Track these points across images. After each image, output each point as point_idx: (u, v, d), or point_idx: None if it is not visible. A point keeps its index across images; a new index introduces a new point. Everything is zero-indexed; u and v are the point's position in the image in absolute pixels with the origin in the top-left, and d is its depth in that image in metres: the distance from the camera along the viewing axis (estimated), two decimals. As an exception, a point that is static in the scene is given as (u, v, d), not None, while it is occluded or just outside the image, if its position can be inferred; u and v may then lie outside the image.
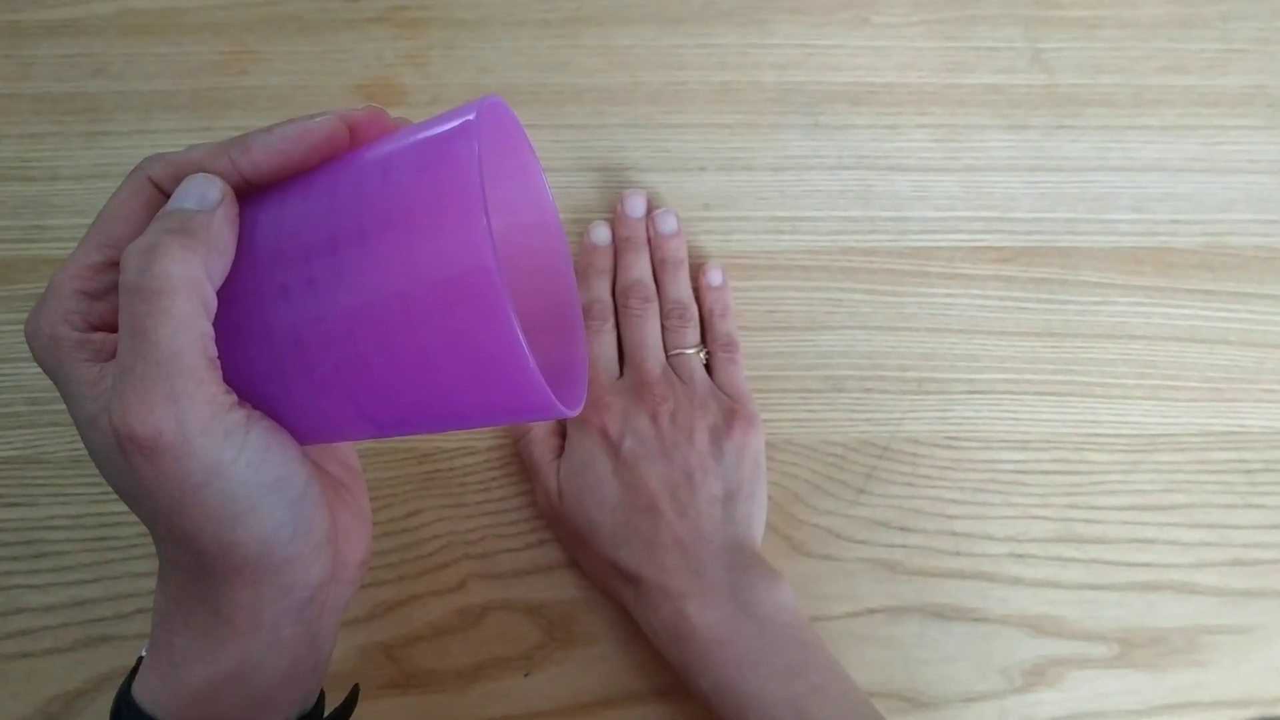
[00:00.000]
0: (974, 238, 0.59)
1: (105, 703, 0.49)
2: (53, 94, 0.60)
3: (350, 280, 0.30)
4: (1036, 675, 0.51)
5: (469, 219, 0.28)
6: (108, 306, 0.32)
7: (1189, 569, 0.53)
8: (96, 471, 0.51)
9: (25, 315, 0.54)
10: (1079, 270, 0.58)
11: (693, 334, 0.54)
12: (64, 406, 0.52)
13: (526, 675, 0.50)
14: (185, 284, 0.28)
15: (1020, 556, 0.53)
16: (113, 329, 0.31)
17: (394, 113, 0.59)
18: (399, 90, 0.61)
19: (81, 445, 0.51)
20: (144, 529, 0.50)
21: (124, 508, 0.51)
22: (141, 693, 0.33)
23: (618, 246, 0.56)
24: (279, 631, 0.33)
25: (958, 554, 0.53)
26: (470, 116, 0.30)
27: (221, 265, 0.30)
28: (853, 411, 0.55)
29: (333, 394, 0.31)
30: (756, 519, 0.50)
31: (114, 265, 0.31)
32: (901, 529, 0.53)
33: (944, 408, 0.55)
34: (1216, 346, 0.57)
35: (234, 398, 0.30)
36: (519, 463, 0.53)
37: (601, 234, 0.56)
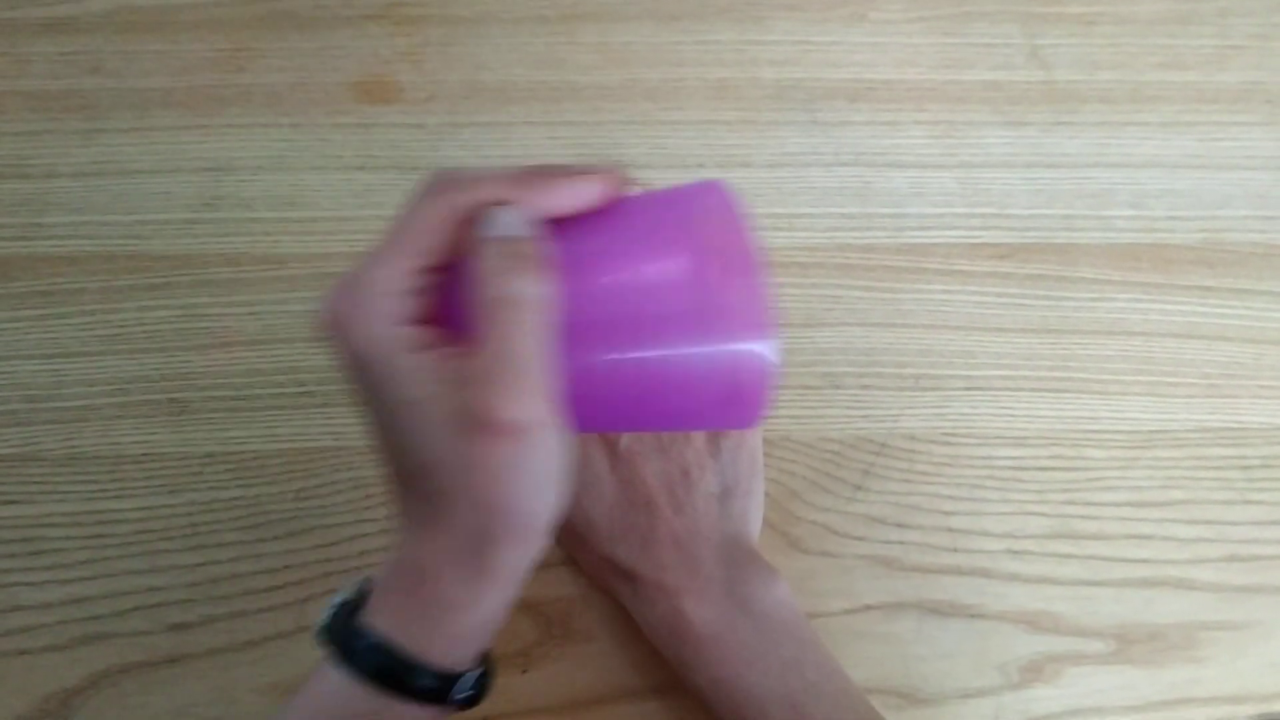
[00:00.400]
0: (971, 234, 0.59)
1: (102, 701, 0.49)
2: (49, 91, 0.60)
3: (646, 351, 0.38)
4: (1034, 671, 0.51)
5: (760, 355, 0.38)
6: (420, 305, 0.36)
7: (1186, 565, 0.53)
8: (93, 469, 0.52)
9: (22, 313, 0.54)
10: (1076, 267, 0.58)
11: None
12: (62, 404, 0.52)
13: (524, 672, 0.50)
14: (538, 301, 0.35)
15: (1017, 553, 0.53)
16: (422, 323, 0.36)
17: (390, 110, 0.59)
18: (395, 87, 0.61)
19: (77, 441, 0.52)
20: (141, 527, 0.51)
21: (121, 505, 0.51)
22: (392, 633, 0.36)
23: None
24: (518, 585, 0.38)
25: (955, 550, 0.53)
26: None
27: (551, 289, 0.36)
28: (850, 408, 0.55)
29: (598, 417, 0.40)
30: (754, 516, 0.50)
31: (425, 270, 0.36)
32: (898, 525, 0.53)
33: (941, 404, 0.55)
34: (1214, 343, 0.57)
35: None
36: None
37: None
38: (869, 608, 0.52)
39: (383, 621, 0.37)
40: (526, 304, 0.34)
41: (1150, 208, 0.60)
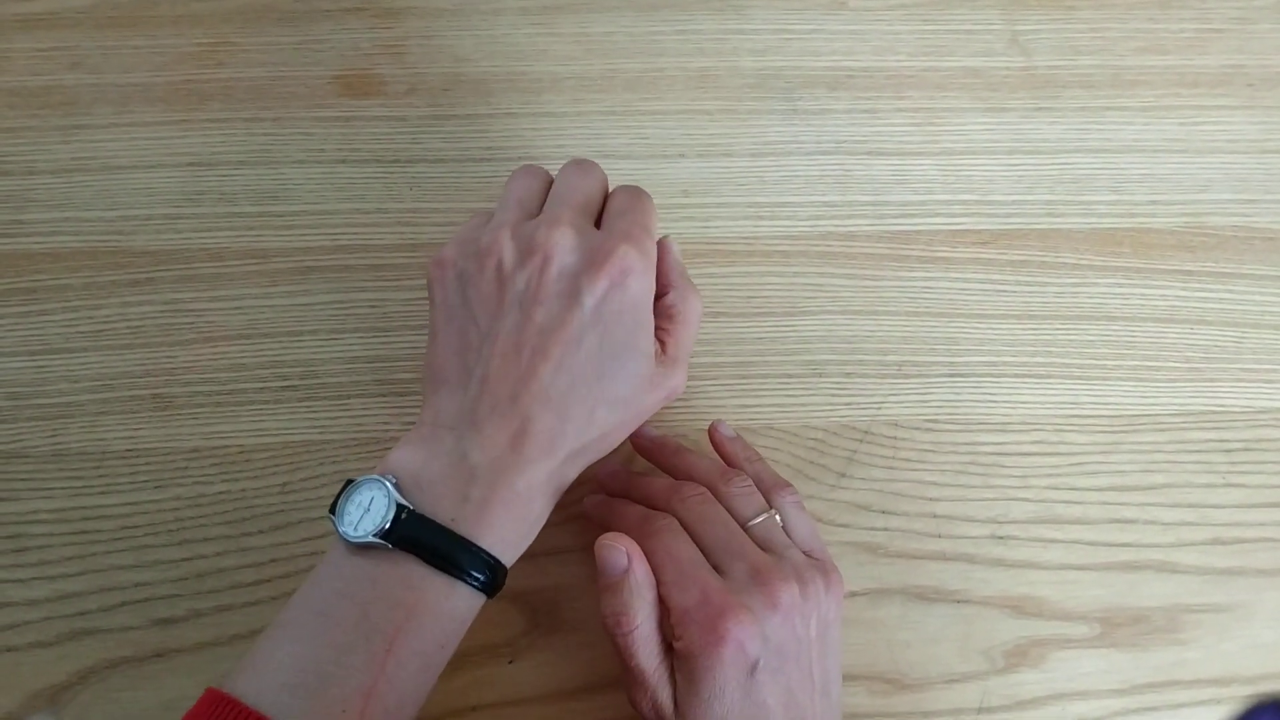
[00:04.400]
0: (953, 221, 0.59)
1: (90, 696, 0.49)
2: (28, 88, 0.60)
3: None
4: (1018, 656, 0.51)
5: None
6: None
7: (1169, 548, 0.53)
8: (78, 465, 0.52)
9: (4, 310, 0.54)
10: (1058, 252, 0.58)
11: (758, 495, 0.49)
12: (46, 401, 0.52)
13: (511, 662, 0.50)
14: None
15: (1001, 538, 0.53)
16: None
17: (372, 103, 0.59)
18: (377, 80, 0.61)
19: (62, 438, 0.52)
20: (127, 522, 0.51)
21: (107, 501, 0.51)
22: (496, 546, 0.42)
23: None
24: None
25: (939, 536, 0.53)
26: None
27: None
28: (833, 396, 0.55)
29: None
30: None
31: None
32: (883, 512, 0.53)
33: (924, 391, 0.56)
34: (1195, 326, 0.57)
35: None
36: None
37: None
38: (854, 594, 0.52)
39: (471, 528, 0.41)
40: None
41: (1131, 192, 0.60)
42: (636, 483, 0.50)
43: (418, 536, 0.40)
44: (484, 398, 0.42)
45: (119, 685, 0.49)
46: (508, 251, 0.44)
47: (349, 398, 0.54)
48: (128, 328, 0.55)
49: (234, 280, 0.56)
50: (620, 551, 0.43)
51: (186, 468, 0.53)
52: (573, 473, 0.45)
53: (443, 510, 0.41)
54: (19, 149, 0.58)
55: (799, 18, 0.63)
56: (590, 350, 0.43)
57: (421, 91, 0.60)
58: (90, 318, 0.55)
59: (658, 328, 0.47)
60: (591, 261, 0.43)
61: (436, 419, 0.43)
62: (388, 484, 0.41)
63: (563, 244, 0.44)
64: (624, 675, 0.44)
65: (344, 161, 0.59)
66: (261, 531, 0.52)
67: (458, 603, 0.41)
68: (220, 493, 0.52)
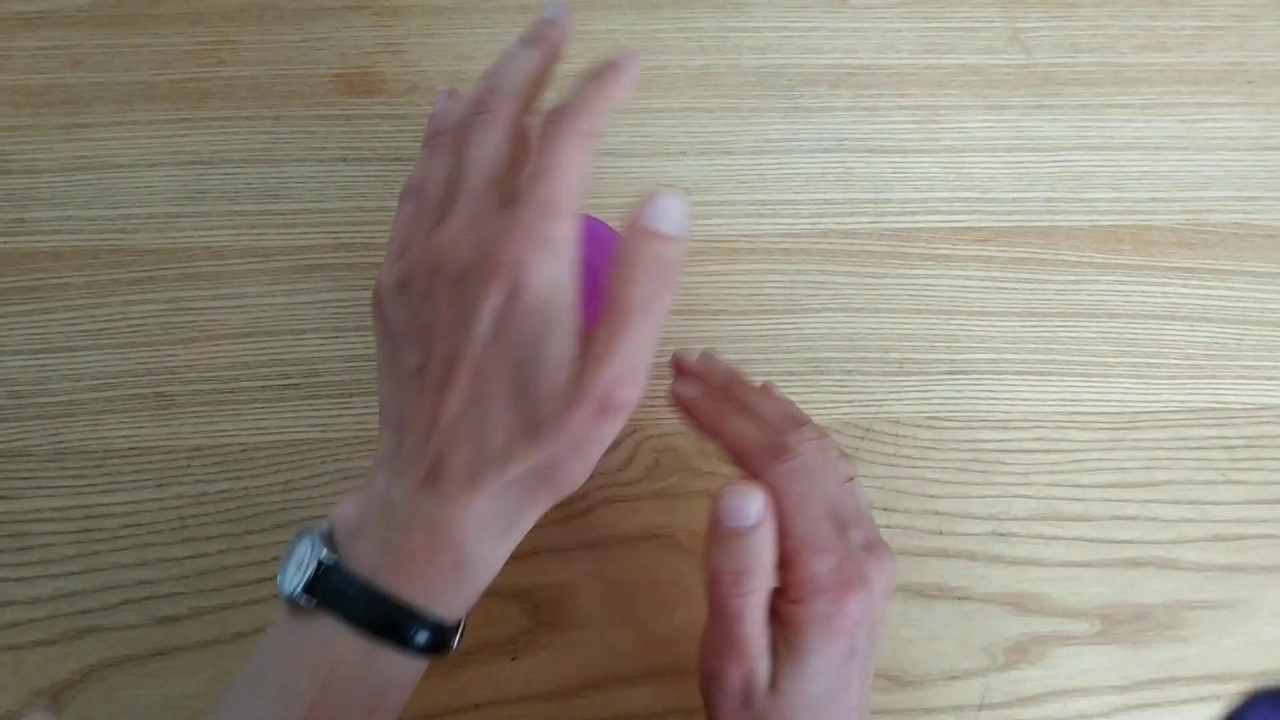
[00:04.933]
0: (954, 218, 0.59)
1: (92, 694, 0.49)
2: (30, 86, 0.60)
3: None
4: (1020, 653, 0.52)
5: None
6: None
7: (1170, 545, 0.54)
8: (80, 464, 0.52)
9: (6, 309, 0.55)
10: (1058, 249, 0.58)
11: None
12: (49, 400, 0.53)
13: (513, 660, 0.50)
14: (667, 310, 0.37)
15: (1003, 535, 0.53)
16: None
17: (373, 101, 0.59)
18: (378, 78, 0.61)
19: (65, 436, 0.52)
20: (129, 520, 0.51)
21: (109, 500, 0.51)
22: (406, 592, 0.37)
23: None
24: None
25: (940, 533, 0.53)
26: None
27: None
28: (835, 393, 0.55)
29: None
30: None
31: None
32: (884, 509, 0.53)
33: (925, 388, 0.56)
34: (1196, 324, 0.57)
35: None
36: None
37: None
38: (855, 591, 0.52)
39: (393, 581, 0.37)
40: (662, 311, 0.37)
41: (1132, 190, 0.60)
42: (741, 389, 0.46)
43: (337, 590, 0.37)
44: (405, 435, 0.38)
45: (122, 683, 0.50)
46: (414, 276, 0.39)
47: (351, 396, 0.54)
48: (129, 326, 0.55)
49: (236, 279, 0.56)
50: (757, 500, 0.39)
51: (189, 466, 0.53)
52: (520, 511, 0.39)
53: (366, 560, 0.37)
54: (21, 147, 0.58)
55: (800, 15, 0.63)
56: (496, 373, 0.37)
57: (423, 89, 0.60)
58: (92, 316, 0.55)
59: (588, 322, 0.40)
60: (483, 271, 0.37)
61: (376, 461, 0.40)
62: (317, 536, 0.38)
63: (454, 258, 0.38)
64: (712, 642, 0.40)
65: (345, 160, 0.59)
66: (264, 529, 0.52)
67: (383, 665, 0.37)
68: (222, 491, 0.52)
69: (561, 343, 0.37)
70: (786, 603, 0.39)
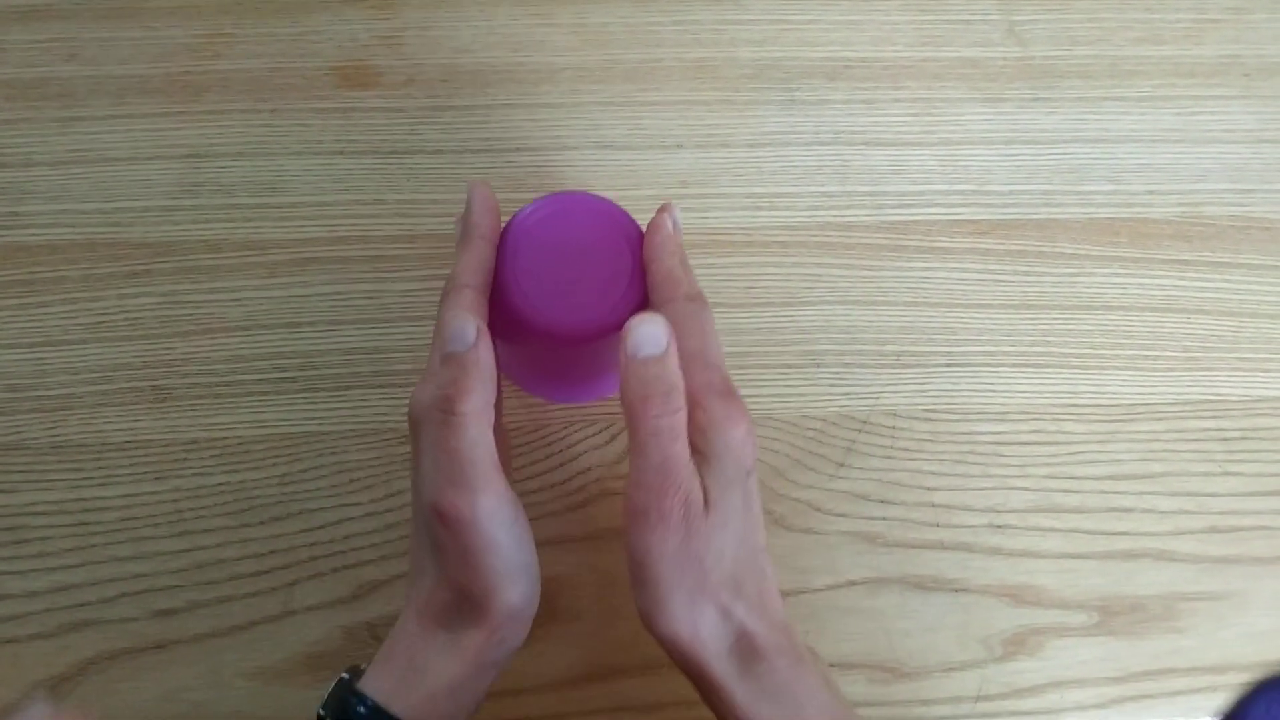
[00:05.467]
0: (951, 211, 0.59)
1: (90, 687, 0.49)
2: (25, 79, 0.60)
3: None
4: (1016, 644, 0.52)
5: None
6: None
7: (1167, 537, 0.54)
8: (77, 457, 0.52)
9: (2, 303, 0.55)
10: (1055, 242, 0.59)
11: None
12: (45, 393, 0.52)
13: (510, 653, 0.50)
14: (474, 416, 0.39)
15: (999, 527, 0.53)
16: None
17: (369, 94, 0.59)
18: (374, 72, 0.61)
19: (62, 430, 0.52)
20: (127, 514, 0.51)
21: (106, 493, 0.52)
22: (374, 691, 0.40)
23: None
24: (486, 669, 0.41)
25: (937, 525, 0.53)
26: None
27: (492, 386, 0.41)
28: (832, 386, 0.55)
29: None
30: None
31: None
32: (881, 501, 0.53)
33: (922, 381, 0.56)
34: (1192, 316, 0.58)
35: (511, 494, 0.41)
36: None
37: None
38: (853, 583, 0.52)
39: (373, 686, 0.40)
40: (462, 423, 0.40)
41: (1128, 182, 0.60)
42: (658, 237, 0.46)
43: (330, 697, 0.40)
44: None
45: (119, 676, 0.49)
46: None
47: (347, 389, 0.54)
48: (126, 320, 0.55)
49: (232, 272, 0.56)
50: (665, 325, 0.40)
51: (186, 459, 0.53)
52: (470, 643, 0.40)
53: (367, 677, 0.40)
54: (16, 141, 0.58)
55: (796, 8, 0.63)
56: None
57: (419, 83, 0.60)
58: (88, 310, 0.55)
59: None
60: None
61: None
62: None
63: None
64: (645, 479, 0.39)
65: (341, 153, 0.59)
66: (261, 523, 0.52)
67: None
68: (219, 484, 0.52)
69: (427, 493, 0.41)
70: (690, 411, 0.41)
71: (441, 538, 0.40)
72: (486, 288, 0.44)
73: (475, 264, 0.44)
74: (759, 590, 0.41)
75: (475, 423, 0.40)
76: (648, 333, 0.40)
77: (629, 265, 0.46)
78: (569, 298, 0.46)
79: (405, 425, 0.53)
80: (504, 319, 0.47)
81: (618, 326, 0.45)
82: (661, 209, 0.46)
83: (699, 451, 0.40)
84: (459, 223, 0.46)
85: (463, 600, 0.41)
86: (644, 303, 0.48)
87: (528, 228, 0.46)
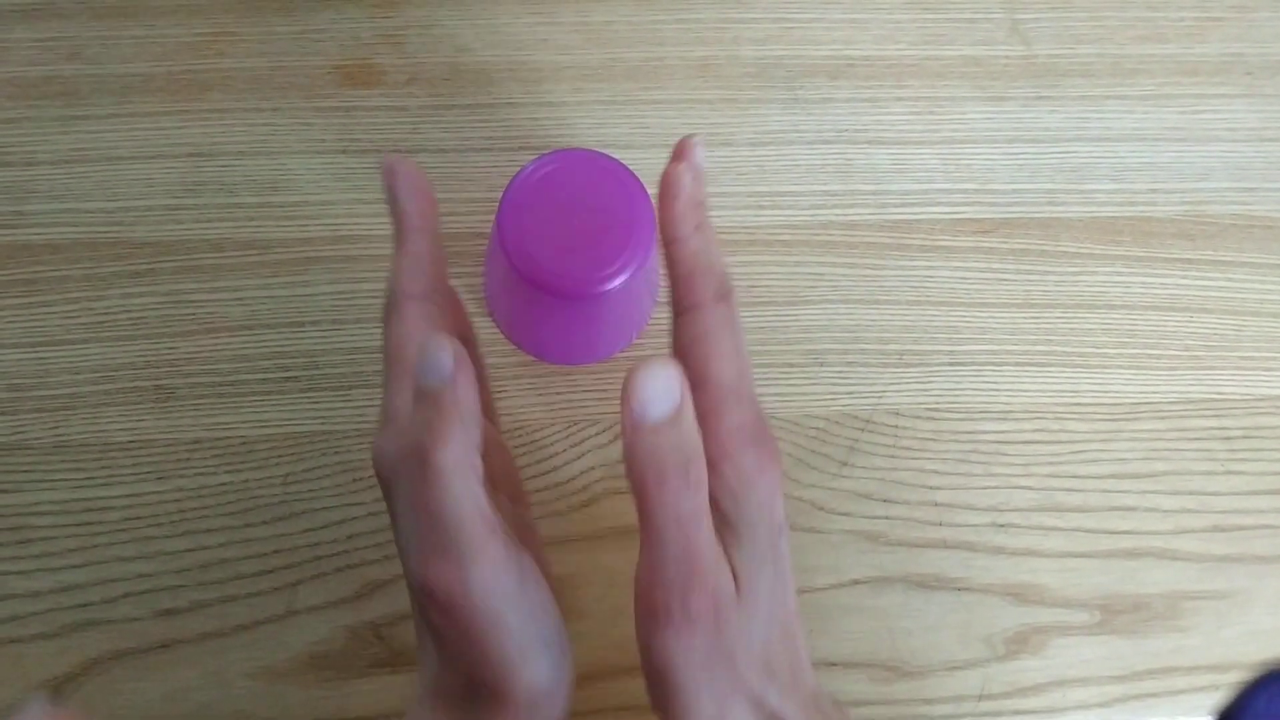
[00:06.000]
0: (953, 210, 0.59)
1: (94, 687, 0.49)
2: (27, 78, 0.60)
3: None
4: (1019, 643, 0.52)
5: None
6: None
7: (1170, 536, 0.54)
8: (80, 457, 0.52)
9: (5, 302, 0.55)
10: (1058, 241, 0.59)
11: None
12: (48, 393, 0.52)
13: (514, 652, 0.50)
14: (457, 468, 0.32)
15: (1002, 526, 0.53)
16: None
17: (372, 93, 0.59)
18: (377, 70, 0.60)
19: (64, 430, 0.52)
20: (130, 514, 0.51)
21: (109, 493, 0.51)
22: None
23: None
24: None
25: (940, 524, 0.53)
26: None
27: (476, 427, 0.33)
28: (834, 385, 0.55)
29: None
30: None
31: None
32: (884, 501, 0.53)
33: (925, 380, 0.56)
34: (1196, 315, 0.58)
35: (514, 557, 0.33)
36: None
37: None
38: (855, 582, 0.52)
39: None
40: (442, 478, 0.32)
41: (1131, 181, 0.60)
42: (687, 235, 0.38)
43: None
44: None
45: (123, 676, 0.50)
46: None
47: (351, 388, 0.54)
48: (129, 319, 0.55)
49: (235, 271, 0.56)
50: (677, 374, 0.32)
51: (189, 459, 0.53)
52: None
53: None
54: (18, 140, 0.58)
55: (799, 6, 0.63)
56: None
57: (422, 81, 0.60)
58: (91, 309, 0.55)
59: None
60: None
61: None
62: None
63: None
64: (663, 575, 0.32)
65: (344, 152, 0.59)
66: (265, 522, 0.52)
67: None
68: (223, 484, 0.52)
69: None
70: (718, 460, 0.33)
71: (435, 620, 0.34)
72: (437, 292, 0.38)
73: (417, 266, 0.37)
74: (791, 665, 0.36)
75: (458, 475, 0.32)
76: (657, 389, 0.32)
77: (632, 219, 0.47)
78: (574, 254, 0.47)
79: (408, 425, 0.53)
80: (507, 277, 0.47)
81: (623, 283, 0.46)
82: (678, 156, 0.38)
83: (724, 517, 0.34)
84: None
85: (475, 687, 0.34)
86: (650, 257, 0.49)
87: (530, 185, 0.47)
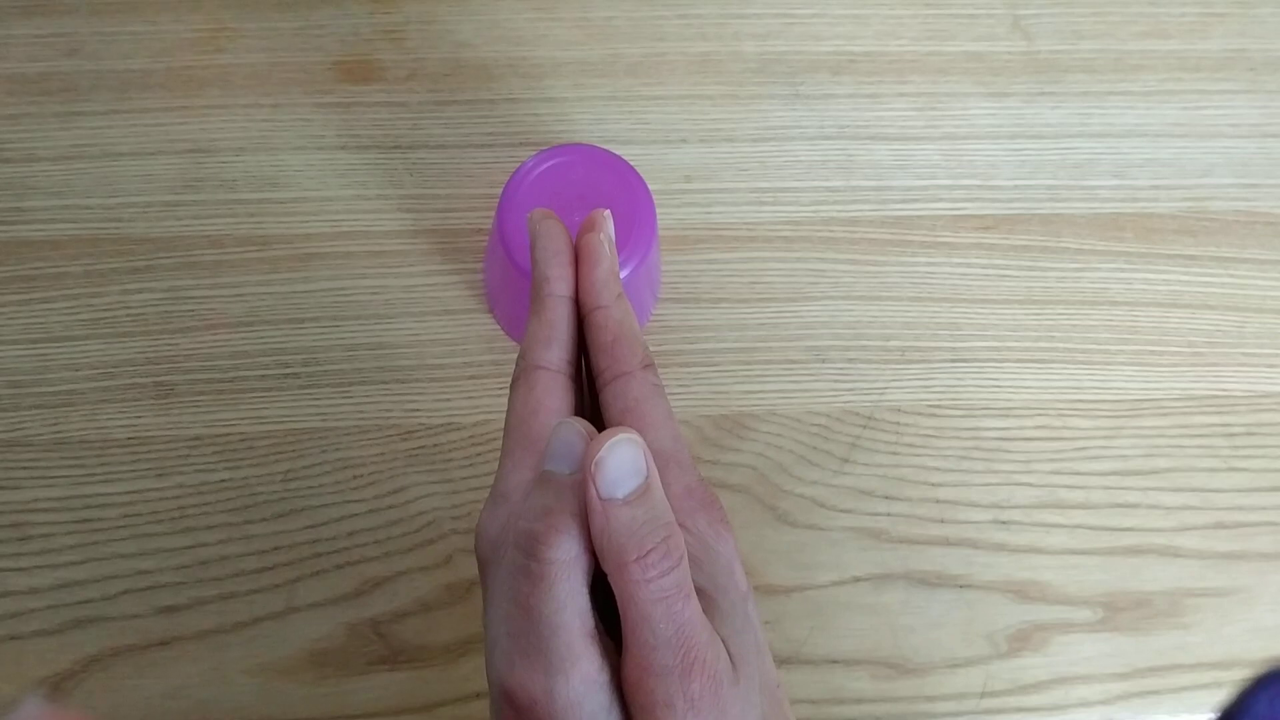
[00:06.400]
0: (955, 206, 0.59)
1: (94, 684, 0.49)
2: (27, 75, 0.59)
3: None
4: (1021, 640, 0.52)
5: None
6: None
7: (1172, 533, 0.54)
8: (80, 454, 0.52)
9: (4, 299, 0.54)
10: (1060, 237, 0.58)
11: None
12: (47, 389, 0.52)
13: (514, 649, 0.50)
14: (566, 566, 0.30)
15: (1004, 523, 0.53)
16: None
17: (372, 89, 0.59)
18: (377, 66, 0.60)
19: (64, 426, 0.52)
20: (129, 510, 0.51)
21: (109, 489, 0.51)
22: None
23: None
24: None
25: (942, 521, 0.53)
26: None
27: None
28: (836, 381, 0.55)
29: None
30: None
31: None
32: (886, 497, 0.53)
33: (927, 376, 0.56)
34: (1198, 311, 0.57)
35: (607, 675, 0.30)
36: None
37: None
38: (857, 579, 0.52)
39: None
40: (549, 575, 0.30)
41: (1133, 177, 0.60)
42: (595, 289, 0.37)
43: None
44: None
45: (123, 673, 0.49)
46: None
47: (350, 385, 0.54)
48: (128, 315, 0.55)
49: (234, 267, 0.56)
50: (643, 448, 0.31)
51: (188, 455, 0.53)
52: None
53: None
54: (18, 136, 0.58)
55: (801, 2, 0.63)
56: None
57: (422, 77, 0.60)
58: (91, 305, 0.55)
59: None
60: None
61: None
62: None
63: None
64: (654, 661, 0.30)
65: (344, 148, 0.59)
66: (264, 519, 0.52)
67: None
68: (222, 480, 0.52)
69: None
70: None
71: None
72: (570, 364, 0.36)
73: (553, 335, 0.36)
74: None
75: (567, 575, 0.30)
76: (624, 461, 0.31)
77: (633, 214, 0.49)
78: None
79: (408, 421, 0.53)
80: (507, 273, 0.48)
81: (624, 278, 0.46)
82: (587, 225, 0.37)
83: (695, 587, 0.31)
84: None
85: None
86: (651, 253, 0.49)
87: (531, 181, 0.48)
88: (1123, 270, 0.58)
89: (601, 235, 0.37)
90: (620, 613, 0.30)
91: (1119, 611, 0.52)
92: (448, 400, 0.54)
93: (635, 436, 0.31)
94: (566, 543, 0.30)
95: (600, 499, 0.30)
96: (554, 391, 0.35)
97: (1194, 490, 0.54)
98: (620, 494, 0.30)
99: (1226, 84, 0.62)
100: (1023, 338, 0.56)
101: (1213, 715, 0.51)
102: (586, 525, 0.30)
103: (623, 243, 0.48)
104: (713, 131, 0.60)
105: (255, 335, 0.55)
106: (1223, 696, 0.51)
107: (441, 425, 0.54)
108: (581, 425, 0.32)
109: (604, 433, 0.31)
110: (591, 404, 0.38)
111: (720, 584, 0.32)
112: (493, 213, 0.50)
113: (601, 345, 0.36)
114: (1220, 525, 0.54)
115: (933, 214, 0.58)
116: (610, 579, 0.30)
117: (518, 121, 0.59)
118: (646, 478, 0.31)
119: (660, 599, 0.29)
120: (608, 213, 0.37)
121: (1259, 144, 0.61)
